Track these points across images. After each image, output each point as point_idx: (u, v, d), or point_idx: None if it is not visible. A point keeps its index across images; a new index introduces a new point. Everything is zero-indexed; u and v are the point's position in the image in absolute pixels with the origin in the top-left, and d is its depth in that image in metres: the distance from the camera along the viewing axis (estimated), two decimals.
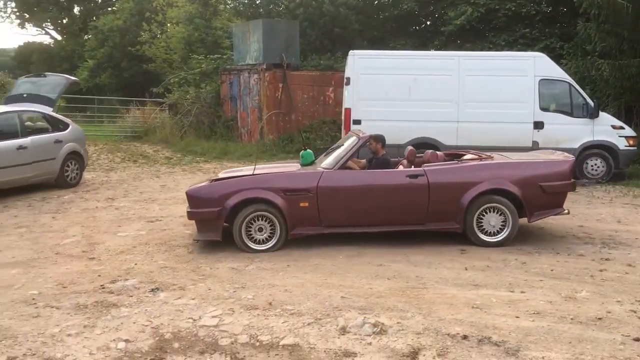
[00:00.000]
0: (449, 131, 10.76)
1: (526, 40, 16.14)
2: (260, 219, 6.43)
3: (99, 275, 5.54)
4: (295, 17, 17.94)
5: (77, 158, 10.57)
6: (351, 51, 11.24)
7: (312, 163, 7.13)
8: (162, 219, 7.99)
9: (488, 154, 7.31)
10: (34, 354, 3.86)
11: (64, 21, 38.56)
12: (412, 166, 6.97)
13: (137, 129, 17.46)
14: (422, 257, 6.09)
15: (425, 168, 6.66)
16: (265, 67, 15.15)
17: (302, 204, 6.43)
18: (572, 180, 6.79)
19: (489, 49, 15.66)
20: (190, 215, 6.60)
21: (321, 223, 6.51)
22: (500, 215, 6.54)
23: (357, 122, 10.82)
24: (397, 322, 4.28)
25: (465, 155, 7.37)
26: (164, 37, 25.66)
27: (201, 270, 5.72)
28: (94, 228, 7.50)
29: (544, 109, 10.85)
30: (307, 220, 6.49)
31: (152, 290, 5.10)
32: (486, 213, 6.53)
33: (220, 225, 6.42)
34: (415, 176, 6.54)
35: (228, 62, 17.48)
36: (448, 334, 4.09)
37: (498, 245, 6.50)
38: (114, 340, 4.10)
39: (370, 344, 3.99)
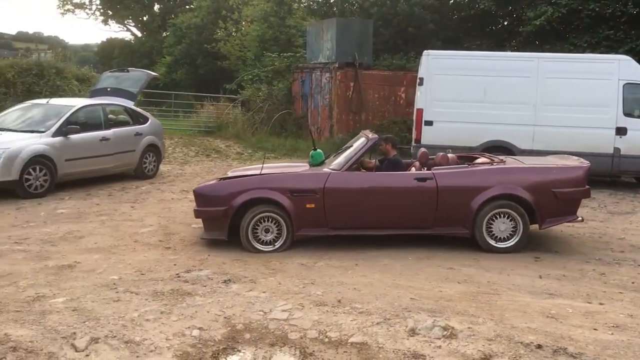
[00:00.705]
0: (524, 135, 10.47)
1: (610, 42, 15.43)
2: (267, 220, 6.41)
3: (175, 265, 5.74)
4: (368, 16, 17.90)
5: (154, 151, 10.98)
6: (426, 51, 11.11)
7: (321, 163, 7.04)
8: None
9: (501, 158, 7.17)
10: (114, 336, 4.04)
11: (145, 18, 40.09)
12: (424, 168, 6.81)
13: (210, 124, 17.92)
14: (493, 263, 5.96)
15: (434, 171, 6.56)
16: (337, 65, 15.22)
17: (308, 205, 6.39)
18: (587, 187, 6.60)
19: (570, 51, 15.06)
20: (197, 214, 6.69)
21: (327, 224, 6.47)
22: (510, 221, 6.41)
23: (429, 123, 10.71)
24: (468, 327, 4.21)
25: (478, 158, 7.24)
26: (238, 35, 26.25)
27: (271, 265, 5.83)
28: (169, 219, 7.78)
29: (628, 114, 10.36)
30: (314, 222, 6.45)
31: (225, 281, 5.24)
32: (496, 218, 6.41)
33: (226, 224, 6.41)
34: (423, 179, 6.44)
35: (301, 60, 17.66)
36: (521, 343, 3.99)
37: (507, 252, 6.37)
38: (188, 327, 4.24)
39: (439, 347, 3.95)
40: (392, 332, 4.16)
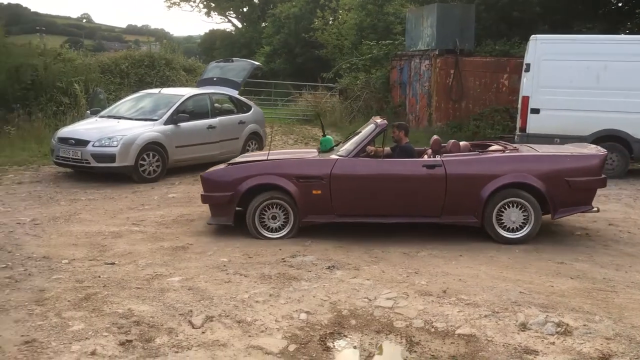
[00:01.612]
0: None
1: None
2: (273, 207, 6.37)
3: (280, 249, 5.90)
4: (470, 0, 17.35)
5: (257, 138, 11.30)
6: (533, 35, 10.63)
7: (331, 150, 6.95)
8: None
9: (515, 145, 6.88)
10: (227, 316, 4.23)
11: (245, 10, 41.16)
12: (437, 156, 6.54)
13: (308, 112, 18.17)
14: (609, 259, 5.65)
15: (443, 158, 6.33)
16: (437, 52, 14.90)
17: (314, 192, 6.31)
18: (603, 176, 6.31)
19: None
20: (203, 199, 6.67)
21: (334, 211, 6.38)
22: (522, 210, 6.17)
23: (536, 111, 10.27)
24: (584, 325, 4.03)
25: (491, 146, 6.95)
26: (336, 24, 26.33)
27: (373, 253, 5.85)
28: None
29: None
30: (320, 208, 6.37)
31: (329, 267, 5.32)
32: (507, 208, 6.18)
33: (232, 209, 6.40)
34: (432, 166, 6.26)
35: (399, 47, 17.46)
36: None
37: (518, 243, 6.14)
38: (296, 310, 4.35)
39: (553, 343, 3.81)
40: (502, 326, 4.06)
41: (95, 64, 15.60)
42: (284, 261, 5.52)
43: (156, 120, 9.56)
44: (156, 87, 13.82)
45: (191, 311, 4.28)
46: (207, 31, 44.53)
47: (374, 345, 3.88)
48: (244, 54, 32.40)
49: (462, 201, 6.23)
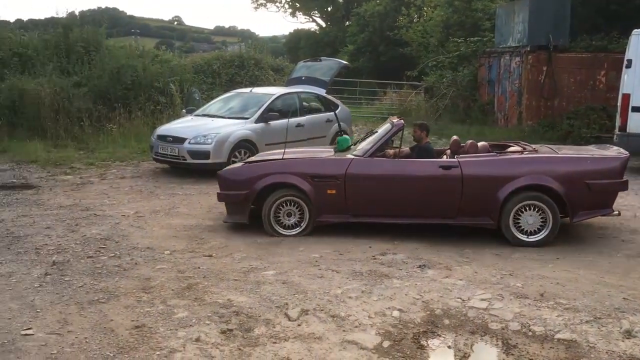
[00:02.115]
0: None
1: None
2: (289, 204, 6.37)
3: (370, 247, 5.95)
4: None
5: None
6: (635, 30, 10.07)
7: (347, 149, 6.85)
8: None
9: (535, 147, 6.64)
10: (322, 310, 4.33)
11: (329, 9, 41.49)
12: (454, 157, 6.38)
13: (393, 111, 18.10)
14: None
15: (460, 159, 6.21)
16: (529, 49, 14.43)
17: (329, 191, 6.27)
18: (624, 179, 6.10)
19: None
20: (220, 197, 6.69)
21: (348, 211, 6.34)
22: (539, 213, 5.97)
23: (637, 109, 9.74)
24: None
25: (511, 147, 6.75)
26: (421, 21, 26.03)
27: (465, 254, 5.78)
28: None
29: None
30: (334, 208, 6.34)
31: (420, 266, 5.32)
32: (525, 210, 5.99)
33: (247, 208, 6.44)
34: (448, 167, 6.14)
35: (488, 44, 17.04)
36: None
37: (536, 246, 5.93)
38: (388, 308, 4.39)
39: None
40: (605, 333, 3.92)
41: (189, 65, 16.30)
42: (375, 259, 5.57)
43: (247, 118, 9.87)
44: (246, 86, 14.24)
45: (287, 304, 4.42)
46: (292, 31, 45.23)
47: (469, 346, 3.86)
48: (328, 53, 32.66)
49: (478, 203, 6.11)
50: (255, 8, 44.12)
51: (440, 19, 22.22)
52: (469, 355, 3.76)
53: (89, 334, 3.88)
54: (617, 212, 6.19)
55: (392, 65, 29.24)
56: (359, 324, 4.12)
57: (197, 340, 3.85)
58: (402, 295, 4.63)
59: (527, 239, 6.03)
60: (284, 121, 10.16)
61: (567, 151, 6.67)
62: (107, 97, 13.27)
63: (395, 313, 4.31)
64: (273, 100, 10.25)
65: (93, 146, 11.91)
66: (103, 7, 76.81)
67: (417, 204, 6.26)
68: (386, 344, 3.86)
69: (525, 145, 6.83)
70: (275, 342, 3.85)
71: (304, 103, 11.06)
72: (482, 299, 4.52)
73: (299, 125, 10.40)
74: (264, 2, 43.11)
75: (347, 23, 37.23)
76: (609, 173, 6.06)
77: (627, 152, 6.39)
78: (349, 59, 31.20)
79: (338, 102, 11.78)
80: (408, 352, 3.76)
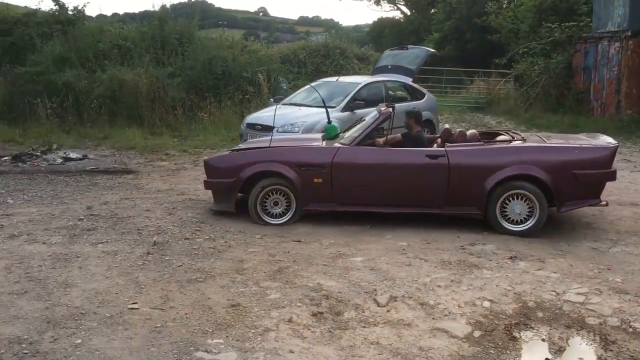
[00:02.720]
0: None
1: None
2: (276, 192, 6.32)
3: (458, 237, 5.88)
4: None
5: (429, 126, 11.23)
6: None
7: (335, 137, 6.73)
8: None
9: (524, 135, 6.54)
10: (410, 297, 4.35)
11: None
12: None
13: (480, 100, 17.65)
14: None
15: (447, 148, 6.14)
16: (629, 33, 13.61)
17: (316, 180, 6.21)
18: (613, 169, 5.99)
19: None
20: (206, 185, 6.68)
21: (335, 200, 6.28)
22: (526, 203, 5.92)
23: None
24: None
25: (500, 135, 6.63)
26: (511, 7, 25.12)
27: (559, 246, 5.60)
28: None
29: None
30: (321, 197, 6.28)
31: (511, 257, 5.21)
32: (511, 200, 5.94)
33: (234, 196, 6.40)
34: (435, 156, 6.07)
35: (584, 29, 16.23)
36: None
37: (522, 236, 5.86)
38: (479, 298, 4.34)
39: None
40: None
41: (276, 55, 16.61)
42: (463, 249, 5.50)
43: (334, 107, 9.93)
44: (331, 75, 14.34)
45: (375, 290, 4.47)
46: (376, 20, 44.96)
47: (564, 340, 3.76)
48: (412, 42, 32.18)
49: (465, 192, 6.05)
50: None
51: (532, 4, 21.37)
52: (564, 349, 3.67)
53: (189, 310, 4.09)
54: (604, 202, 6.08)
55: (479, 52, 28.44)
56: (449, 313, 4.11)
57: (290, 321, 3.97)
58: (492, 286, 4.56)
59: (513, 228, 5.99)
60: (369, 110, 10.19)
61: (556, 140, 6.54)
62: (198, 87, 13.77)
63: (486, 303, 4.26)
64: (359, 89, 10.26)
65: (186, 134, 12.44)
66: (192, 0, 79.37)
67: (404, 193, 6.23)
68: (477, 333, 3.83)
69: (515, 134, 6.72)
70: (364, 327, 3.91)
71: (390, 92, 10.99)
72: (578, 293, 4.38)
73: None
74: None
75: (432, 10, 36.54)
76: (597, 163, 5.96)
77: (616, 142, 6.27)
78: (435, 46, 30.58)
79: (424, 90, 11.63)
80: (500, 343, 3.72)
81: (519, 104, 16.14)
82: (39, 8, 16.51)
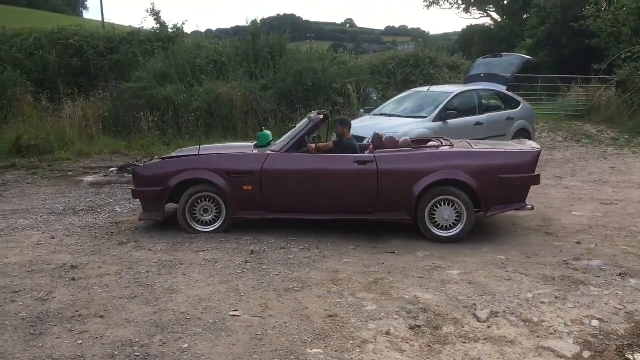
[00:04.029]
0: None
1: None
2: (206, 199, 6.31)
3: (560, 251, 5.64)
4: None
5: (525, 135, 10.84)
6: None
7: (268, 145, 6.71)
8: (618, 203, 7.59)
9: (452, 141, 6.56)
10: (512, 313, 4.21)
11: (505, 2, 39.75)
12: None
13: (579, 107, 16.84)
14: None
15: (376, 154, 6.19)
16: None
17: (245, 187, 6.19)
18: (536, 173, 6.13)
19: None
20: (134, 194, 6.62)
21: (265, 207, 6.27)
22: (454, 208, 6.00)
23: None
24: None
25: (431, 142, 6.63)
26: (611, 10, 23.86)
27: None
28: (546, 204, 7.65)
29: None
30: (251, 204, 6.26)
31: (620, 274, 4.93)
32: (440, 205, 6.02)
33: (162, 205, 6.35)
34: (364, 162, 6.11)
35: None
36: None
37: (451, 241, 5.97)
38: (586, 316, 4.13)
39: None
40: None
41: (365, 65, 16.68)
42: (567, 264, 5.27)
43: (425, 117, 9.83)
44: (421, 85, 14.21)
45: (475, 305, 4.36)
46: (465, 27, 44.11)
47: None
48: (503, 48, 31.22)
49: (394, 198, 6.08)
50: (427, 6, 43.64)
51: (635, 6, 20.19)
52: None
53: (288, 319, 4.16)
54: (530, 207, 6.21)
55: (576, 58, 27.21)
56: (555, 331, 3.93)
57: (387, 333, 3.95)
58: (601, 304, 4.33)
59: (442, 234, 6.05)
60: (462, 119, 10.01)
61: (482, 146, 6.57)
62: (289, 99, 14.07)
63: (595, 322, 4.04)
64: (451, 99, 10.10)
65: None
66: (282, 14, 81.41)
67: (334, 200, 6.21)
68: (586, 354, 3.64)
69: (444, 140, 6.73)
70: (465, 342, 3.82)
71: (483, 101, 10.73)
72: None
73: (478, 123, 10.14)
74: None
75: (524, 16, 35.38)
76: (522, 167, 6.06)
77: (539, 146, 6.45)
78: (528, 53, 29.49)
79: (520, 99, 11.26)
80: None
81: (621, 112, 15.25)
82: (142, 27, 17.50)
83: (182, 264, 5.36)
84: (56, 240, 6.23)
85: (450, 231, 6.08)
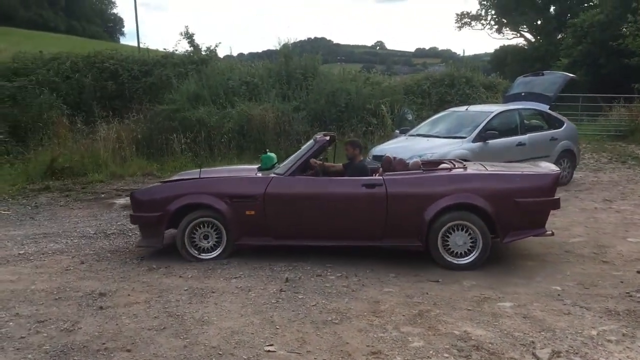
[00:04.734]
0: None
1: None
2: (205, 225, 5.98)
3: (621, 282, 5.19)
4: None
5: (569, 156, 10.42)
6: None
7: (272, 167, 6.42)
8: None
9: (465, 163, 6.24)
10: (576, 353, 3.80)
11: (539, 22, 39.20)
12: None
13: (622, 127, 16.23)
14: None
15: (385, 177, 5.83)
16: None
17: (248, 212, 5.85)
18: (556, 197, 5.72)
19: None
20: (132, 220, 6.28)
21: (270, 233, 5.91)
22: (468, 234, 5.61)
23: None
24: None
25: (443, 164, 6.34)
26: None
27: None
28: (598, 230, 7.18)
29: None
30: (255, 230, 5.91)
31: None
32: (454, 231, 5.63)
33: (161, 231, 6.01)
34: (372, 185, 5.75)
35: None
36: None
37: (466, 269, 5.56)
38: None
39: None
40: None
41: (399, 86, 16.39)
42: (630, 296, 4.82)
43: (464, 137, 9.47)
44: (456, 105, 13.84)
45: (533, 342, 3.96)
46: (498, 48, 43.56)
47: None
48: (537, 68, 30.57)
49: (404, 223, 5.72)
50: (459, 27, 43.44)
51: None
52: None
53: (327, 356, 3.83)
54: (550, 232, 5.81)
55: (615, 77, 26.52)
56: None
57: None
58: None
59: (456, 262, 5.67)
60: (503, 140, 9.62)
61: (497, 168, 6.21)
62: (322, 120, 13.86)
63: None
64: (491, 118, 9.72)
65: None
66: (312, 37, 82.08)
67: (341, 225, 5.84)
68: None
69: (456, 162, 6.42)
70: None
71: (525, 121, 10.32)
72: None
73: (520, 144, 9.74)
74: (469, 20, 42.31)
75: (559, 36, 34.77)
76: (540, 191, 5.68)
77: (558, 169, 6.06)
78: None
79: (564, 118, 10.80)
80: None
81: None
82: (176, 50, 17.57)
83: (213, 292, 5.09)
84: (85, 266, 6.03)
85: (465, 258, 5.69)
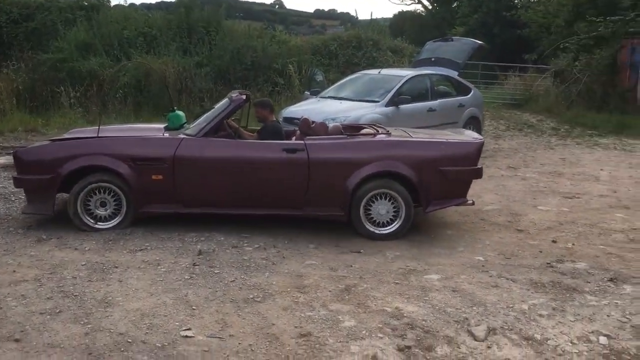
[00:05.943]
0: None
1: None
2: (103, 191, 5.36)
3: (540, 251, 5.21)
4: None
5: (475, 123, 10.55)
6: None
7: (180, 127, 5.87)
8: (580, 197, 7.32)
9: (389, 129, 5.99)
10: (511, 329, 3.68)
11: None
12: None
13: (517, 96, 16.87)
14: None
15: (306, 141, 5.46)
16: None
17: (154, 177, 5.33)
18: (479, 166, 5.65)
19: None
20: (16, 182, 5.57)
21: (179, 200, 5.43)
22: (392, 203, 5.42)
23: None
24: None
25: (364, 129, 6.07)
26: (543, 1, 24.25)
27: None
28: (508, 197, 7.28)
29: None
30: (162, 196, 5.41)
31: (611, 279, 4.53)
32: (376, 200, 5.42)
33: (52, 196, 5.35)
34: (293, 150, 5.39)
35: (631, 24, 15.37)
36: None
37: (388, 238, 5.39)
38: (592, 332, 3.67)
39: None
40: None
41: (306, 46, 15.92)
42: (551, 266, 4.83)
43: (377, 101, 9.26)
44: (364, 68, 13.66)
45: (467, 319, 3.80)
46: (396, 13, 44.06)
47: None
48: (434, 36, 30.89)
49: (327, 192, 5.43)
50: None
51: None
52: None
53: (253, 341, 3.46)
54: (471, 202, 5.75)
55: (507, 48, 27.60)
56: (563, 352, 3.44)
57: (374, 357, 3.33)
58: (603, 316, 3.89)
59: (378, 232, 5.46)
60: (415, 105, 9.52)
61: (421, 135, 6.01)
62: (227, 77, 13.16)
63: (602, 339, 3.59)
64: (404, 83, 9.57)
65: None
66: None
67: (259, 192, 5.46)
68: None
69: (379, 127, 6.15)
70: None
71: (435, 87, 10.30)
72: None
73: (430, 109, 9.69)
74: None
75: (455, 4, 35.62)
76: (464, 160, 5.55)
77: (482, 137, 6.06)
78: None
79: (471, 85, 10.91)
80: None
81: (560, 102, 15.35)
82: None
83: (116, 267, 4.52)
84: None
85: (387, 228, 5.47)
